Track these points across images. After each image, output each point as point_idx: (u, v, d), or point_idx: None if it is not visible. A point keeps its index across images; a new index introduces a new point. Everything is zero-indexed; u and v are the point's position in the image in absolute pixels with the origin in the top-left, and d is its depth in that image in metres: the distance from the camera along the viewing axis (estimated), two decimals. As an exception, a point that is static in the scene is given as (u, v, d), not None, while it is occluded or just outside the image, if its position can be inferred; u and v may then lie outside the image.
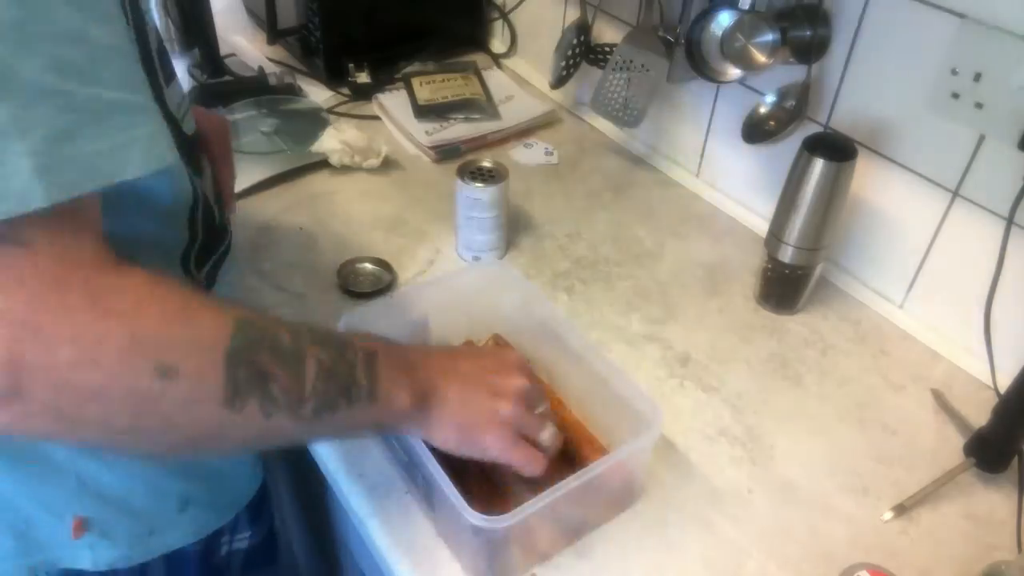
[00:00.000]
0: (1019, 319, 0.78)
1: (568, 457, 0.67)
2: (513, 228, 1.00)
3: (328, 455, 0.72)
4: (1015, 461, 0.72)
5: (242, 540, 0.76)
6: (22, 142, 0.38)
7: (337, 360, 0.51)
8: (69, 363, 0.40)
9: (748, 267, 0.96)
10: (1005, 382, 0.72)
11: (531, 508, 0.56)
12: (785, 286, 0.89)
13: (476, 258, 0.95)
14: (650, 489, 0.71)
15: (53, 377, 0.40)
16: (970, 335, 0.83)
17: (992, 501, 0.72)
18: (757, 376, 0.83)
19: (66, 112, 0.40)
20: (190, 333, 0.45)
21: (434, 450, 0.59)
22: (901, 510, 0.70)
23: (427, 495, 0.64)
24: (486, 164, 0.93)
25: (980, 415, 0.74)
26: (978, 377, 0.83)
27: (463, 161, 0.93)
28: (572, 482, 0.58)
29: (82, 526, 0.63)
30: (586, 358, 0.70)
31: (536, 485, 0.59)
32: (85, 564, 0.64)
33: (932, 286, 0.86)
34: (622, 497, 0.69)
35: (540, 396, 0.64)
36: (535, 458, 0.60)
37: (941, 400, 0.80)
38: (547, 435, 0.62)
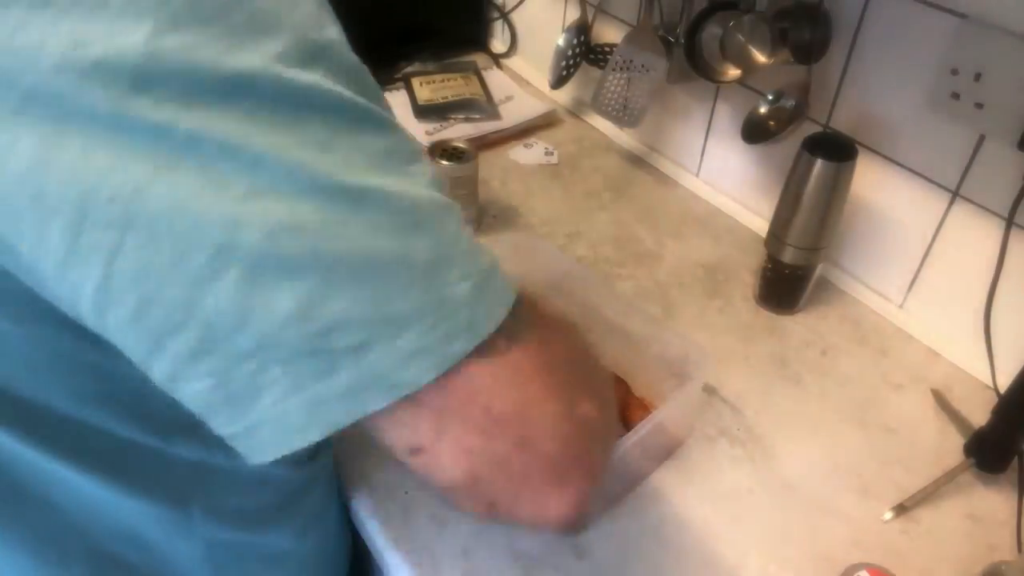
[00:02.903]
0: (1019, 319, 0.78)
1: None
2: (513, 228, 1.00)
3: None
4: (1015, 461, 0.72)
5: None
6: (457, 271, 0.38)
7: None
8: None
9: (748, 267, 0.96)
10: (1005, 382, 0.72)
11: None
12: (785, 286, 0.89)
13: None
14: (650, 489, 0.71)
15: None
16: (970, 335, 0.83)
17: (992, 501, 0.72)
18: (757, 376, 0.83)
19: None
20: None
21: None
22: (901, 510, 0.70)
23: None
24: (452, 144, 0.94)
25: (980, 415, 0.74)
26: (978, 377, 0.83)
27: (429, 145, 0.94)
28: (641, 429, 0.63)
29: None
30: (618, 311, 0.73)
31: None
32: None
33: (932, 286, 0.86)
34: (671, 443, 0.74)
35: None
36: None
37: (941, 400, 0.80)
38: None
